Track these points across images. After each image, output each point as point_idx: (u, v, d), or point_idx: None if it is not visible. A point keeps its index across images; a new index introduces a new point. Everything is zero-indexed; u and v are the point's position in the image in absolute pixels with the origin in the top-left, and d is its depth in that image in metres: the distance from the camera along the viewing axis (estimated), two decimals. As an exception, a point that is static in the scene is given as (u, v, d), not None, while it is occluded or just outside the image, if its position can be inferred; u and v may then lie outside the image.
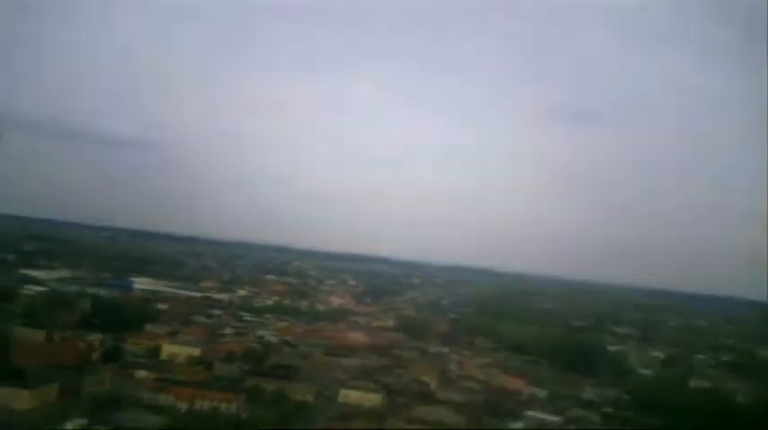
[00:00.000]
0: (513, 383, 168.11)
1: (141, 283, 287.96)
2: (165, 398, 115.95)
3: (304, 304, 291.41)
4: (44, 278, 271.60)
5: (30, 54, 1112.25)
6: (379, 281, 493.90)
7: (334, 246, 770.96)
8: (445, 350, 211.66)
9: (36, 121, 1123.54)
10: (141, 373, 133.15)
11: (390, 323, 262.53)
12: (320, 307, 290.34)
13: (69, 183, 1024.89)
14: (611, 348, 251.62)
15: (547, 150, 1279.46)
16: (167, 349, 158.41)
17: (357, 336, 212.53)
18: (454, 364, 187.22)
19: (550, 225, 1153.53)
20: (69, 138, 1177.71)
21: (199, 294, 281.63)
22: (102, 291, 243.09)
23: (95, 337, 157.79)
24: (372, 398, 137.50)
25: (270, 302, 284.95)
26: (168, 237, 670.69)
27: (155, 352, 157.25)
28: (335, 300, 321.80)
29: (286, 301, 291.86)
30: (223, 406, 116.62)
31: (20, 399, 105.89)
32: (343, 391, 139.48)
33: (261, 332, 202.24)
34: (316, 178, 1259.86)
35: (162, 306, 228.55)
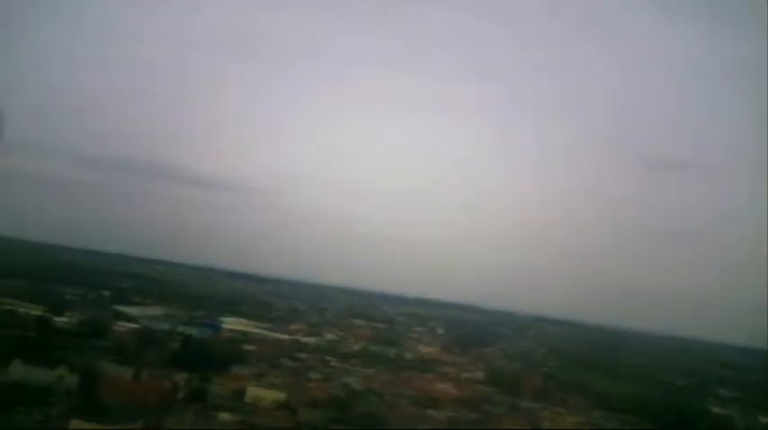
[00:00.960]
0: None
1: (231, 324, 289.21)
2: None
3: (391, 351, 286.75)
4: (137, 315, 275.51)
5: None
6: (469, 330, 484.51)
7: (423, 292, 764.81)
8: (537, 406, 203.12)
9: (142, 163, 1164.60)
10: (224, 416, 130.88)
11: (480, 375, 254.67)
12: (408, 355, 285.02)
13: (167, 224, 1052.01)
14: (716, 411, 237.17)
15: (635, 200, 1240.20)
16: (252, 392, 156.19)
17: (445, 388, 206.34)
18: (546, 422, 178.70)
19: (636, 278, 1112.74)
20: (169, 180, 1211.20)
21: (287, 337, 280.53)
22: (193, 330, 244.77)
23: (182, 377, 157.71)
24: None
25: (356, 348, 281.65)
26: (261, 279, 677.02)
27: (239, 394, 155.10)
28: (423, 349, 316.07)
29: (373, 347, 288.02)
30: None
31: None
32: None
33: (347, 379, 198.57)
34: (403, 224, 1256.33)
35: (250, 347, 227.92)
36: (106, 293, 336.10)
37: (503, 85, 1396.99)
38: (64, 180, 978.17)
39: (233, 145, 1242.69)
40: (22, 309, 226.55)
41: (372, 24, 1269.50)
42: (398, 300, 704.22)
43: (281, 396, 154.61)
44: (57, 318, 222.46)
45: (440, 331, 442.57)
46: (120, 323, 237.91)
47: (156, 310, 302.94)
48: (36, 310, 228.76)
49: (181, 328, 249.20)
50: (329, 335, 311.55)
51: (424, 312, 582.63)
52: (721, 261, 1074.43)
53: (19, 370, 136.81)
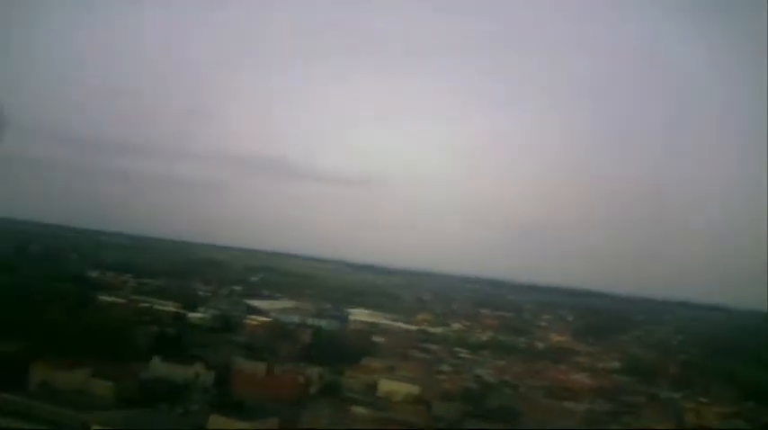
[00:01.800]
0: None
1: (358, 315, 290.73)
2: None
3: (521, 340, 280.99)
4: (267, 308, 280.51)
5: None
6: (600, 317, 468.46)
7: (549, 280, 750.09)
8: (678, 396, 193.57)
9: (266, 162, 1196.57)
10: (358, 410, 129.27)
11: (615, 364, 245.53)
12: (539, 344, 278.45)
13: (293, 218, 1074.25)
14: None
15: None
16: (385, 385, 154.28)
17: (580, 378, 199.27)
18: (690, 413, 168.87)
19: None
20: (295, 176, 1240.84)
21: (414, 327, 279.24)
22: (322, 322, 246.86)
23: (314, 370, 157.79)
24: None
25: (485, 338, 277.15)
26: (388, 270, 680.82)
27: (372, 387, 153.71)
28: (555, 338, 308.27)
29: (502, 337, 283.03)
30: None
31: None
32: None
33: (478, 370, 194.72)
34: (522, 209, 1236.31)
35: (379, 339, 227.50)
36: (237, 288, 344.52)
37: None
38: (192, 180, 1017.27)
39: (357, 139, 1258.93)
40: (157, 306, 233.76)
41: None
42: (524, 289, 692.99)
43: (414, 389, 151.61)
44: (191, 314, 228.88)
45: (569, 319, 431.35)
46: (251, 317, 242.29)
47: (286, 303, 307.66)
48: (171, 307, 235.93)
49: (310, 321, 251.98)
50: (456, 326, 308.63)
51: (551, 300, 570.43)
52: None
53: (159, 366, 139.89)
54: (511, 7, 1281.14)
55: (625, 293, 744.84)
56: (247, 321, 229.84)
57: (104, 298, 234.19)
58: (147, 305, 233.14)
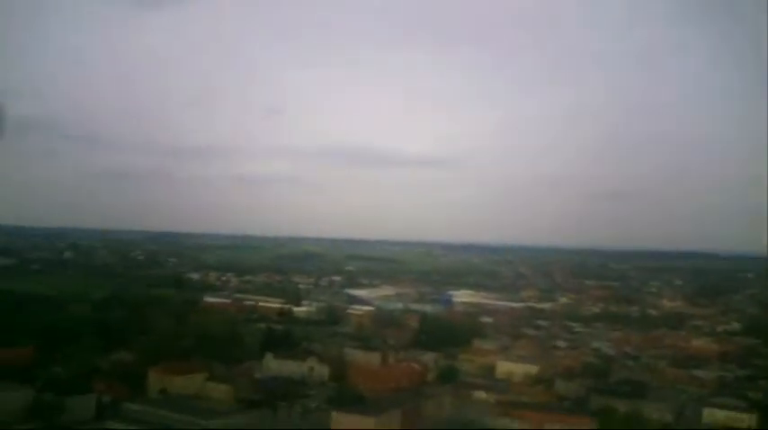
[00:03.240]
0: None
1: (461, 296, 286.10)
2: (510, 424, 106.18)
3: (633, 310, 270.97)
4: (368, 297, 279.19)
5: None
6: (709, 278, 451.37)
7: (647, 245, 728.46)
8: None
9: (352, 150, 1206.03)
10: (480, 395, 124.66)
11: (736, 326, 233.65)
12: (652, 312, 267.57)
13: (381, 205, 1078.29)
14: None
15: None
16: (502, 366, 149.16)
17: (703, 344, 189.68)
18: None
19: None
20: (382, 163, 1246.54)
21: (520, 304, 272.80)
22: (427, 307, 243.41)
23: (428, 357, 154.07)
24: (745, 419, 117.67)
25: (596, 310, 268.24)
26: (480, 248, 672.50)
27: (489, 370, 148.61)
28: (667, 304, 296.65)
29: (613, 308, 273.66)
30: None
31: (365, 427, 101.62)
32: (707, 410, 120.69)
33: (595, 343, 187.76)
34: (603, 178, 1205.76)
35: (486, 319, 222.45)
36: (336, 279, 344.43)
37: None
38: (280, 176, 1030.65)
39: (440, 124, 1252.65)
40: (262, 303, 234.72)
41: None
42: (625, 256, 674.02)
43: (532, 369, 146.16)
44: (296, 309, 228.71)
45: (678, 283, 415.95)
46: (354, 307, 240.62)
47: (387, 290, 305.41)
48: (276, 303, 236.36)
49: (414, 306, 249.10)
50: (563, 300, 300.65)
51: (655, 265, 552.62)
52: None
53: (272, 364, 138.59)
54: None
55: (730, 252, 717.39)
56: (352, 311, 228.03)
57: (209, 299, 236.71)
58: (251, 303, 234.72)
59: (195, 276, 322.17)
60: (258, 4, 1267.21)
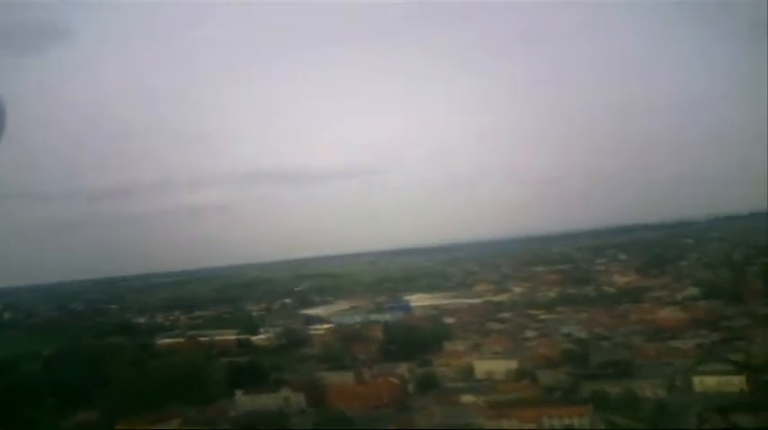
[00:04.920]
0: None
1: (418, 301, 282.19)
2: (509, 424, 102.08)
3: (589, 289, 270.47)
4: (325, 314, 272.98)
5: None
6: (652, 249, 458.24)
7: (584, 224, 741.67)
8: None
9: (279, 171, 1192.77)
10: (467, 398, 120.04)
11: (694, 291, 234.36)
12: (608, 289, 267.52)
13: (318, 221, 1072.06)
14: None
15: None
16: (480, 366, 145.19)
17: (670, 313, 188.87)
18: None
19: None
20: (310, 181, 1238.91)
21: (478, 300, 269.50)
22: (387, 316, 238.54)
23: (403, 367, 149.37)
24: (736, 382, 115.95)
25: (552, 294, 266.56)
26: (425, 250, 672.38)
27: (468, 371, 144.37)
28: (620, 279, 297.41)
29: (570, 290, 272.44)
30: (575, 421, 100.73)
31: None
32: (696, 379, 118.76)
33: (564, 328, 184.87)
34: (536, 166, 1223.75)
35: (449, 319, 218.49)
36: (288, 301, 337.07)
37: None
38: (209, 205, 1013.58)
39: (355, 135, 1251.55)
40: (218, 337, 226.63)
41: None
42: (565, 238, 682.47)
43: (511, 364, 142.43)
44: (254, 338, 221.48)
45: (623, 257, 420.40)
46: (314, 327, 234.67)
47: (342, 305, 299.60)
48: (232, 335, 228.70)
49: (373, 317, 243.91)
50: (518, 289, 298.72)
51: (596, 243, 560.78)
52: None
53: (244, 400, 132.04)
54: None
55: (663, 221, 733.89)
56: (312, 332, 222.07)
57: (162, 341, 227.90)
58: (207, 338, 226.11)
59: (142, 320, 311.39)
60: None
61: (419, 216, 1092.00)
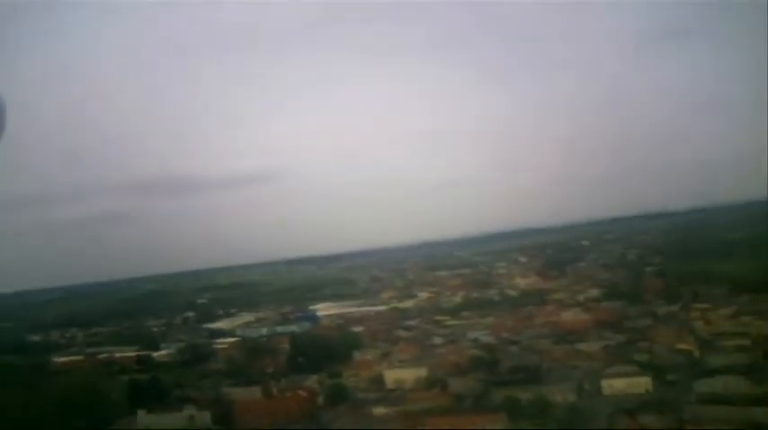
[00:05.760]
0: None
1: (325, 310, 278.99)
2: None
3: (493, 293, 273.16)
4: (229, 327, 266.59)
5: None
6: (550, 251, 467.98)
7: (483, 228, 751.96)
8: (675, 308, 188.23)
9: (176, 179, 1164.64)
10: (379, 410, 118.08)
11: (595, 292, 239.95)
12: (511, 292, 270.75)
13: (207, 230, 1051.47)
14: None
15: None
16: (390, 375, 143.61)
17: (574, 316, 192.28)
18: (699, 322, 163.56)
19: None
20: (208, 188, 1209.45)
21: (384, 307, 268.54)
22: (294, 327, 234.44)
23: (312, 380, 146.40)
24: (642, 383, 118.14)
25: (458, 299, 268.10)
26: (328, 258, 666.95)
27: (378, 381, 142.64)
28: (522, 282, 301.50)
29: (473, 294, 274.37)
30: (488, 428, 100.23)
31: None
32: (605, 382, 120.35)
33: (471, 334, 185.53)
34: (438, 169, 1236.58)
35: (357, 328, 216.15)
36: (190, 315, 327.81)
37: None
38: (97, 216, 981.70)
39: (255, 140, 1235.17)
40: (117, 354, 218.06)
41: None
42: (465, 242, 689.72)
43: (421, 372, 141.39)
44: (155, 354, 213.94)
45: (522, 260, 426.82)
46: (218, 341, 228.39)
47: (246, 317, 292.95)
48: (132, 351, 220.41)
49: (280, 329, 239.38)
50: (423, 295, 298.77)
51: (495, 247, 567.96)
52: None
53: (147, 420, 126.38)
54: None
55: (557, 224, 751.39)
56: (216, 346, 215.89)
57: (58, 359, 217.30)
58: (106, 355, 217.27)
59: (36, 337, 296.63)
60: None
61: (323, 224, 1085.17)
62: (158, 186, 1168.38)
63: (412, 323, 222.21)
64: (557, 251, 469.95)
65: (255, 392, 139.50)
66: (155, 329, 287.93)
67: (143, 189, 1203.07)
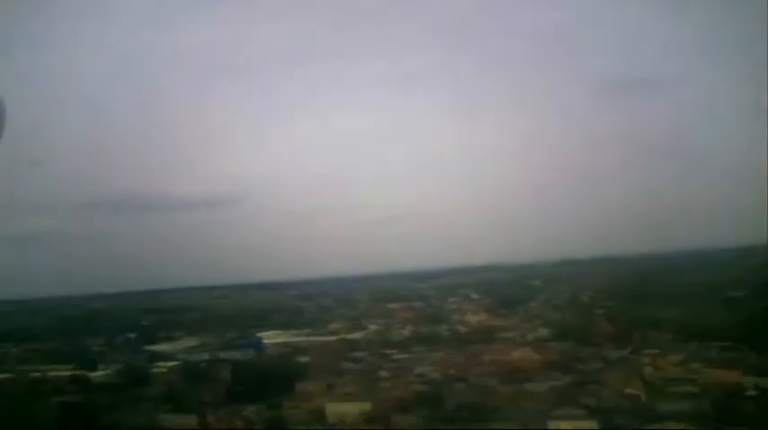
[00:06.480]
0: (729, 376, 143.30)
1: (270, 337, 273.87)
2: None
3: (443, 328, 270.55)
4: (171, 351, 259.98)
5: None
6: (501, 289, 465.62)
7: (436, 263, 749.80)
8: (625, 352, 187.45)
9: (125, 198, 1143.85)
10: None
11: (544, 332, 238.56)
12: (461, 328, 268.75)
13: (156, 252, 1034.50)
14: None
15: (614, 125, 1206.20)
16: (332, 408, 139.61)
17: (524, 355, 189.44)
18: (649, 367, 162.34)
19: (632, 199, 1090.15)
20: (159, 210, 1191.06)
21: (333, 338, 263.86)
22: (237, 354, 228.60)
23: (250, 410, 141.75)
24: (589, 426, 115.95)
25: (407, 333, 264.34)
26: (278, 285, 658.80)
27: (319, 414, 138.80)
28: (473, 318, 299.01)
29: (423, 329, 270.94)
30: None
31: None
32: (551, 423, 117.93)
33: (419, 369, 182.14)
34: (395, 200, 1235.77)
35: (303, 358, 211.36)
36: (132, 335, 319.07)
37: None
38: (46, 232, 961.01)
39: (211, 159, 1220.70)
40: (51, 373, 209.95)
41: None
42: (417, 276, 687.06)
43: (364, 406, 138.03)
44: (92, 374, 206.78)
45: (474, 296, 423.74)
46: (158, 364, 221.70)
47: (189, 342, 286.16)
48: (66, 371, 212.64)
49: (222, 355, 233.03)
50: (373, 327, 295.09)
51: (447, 281, 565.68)
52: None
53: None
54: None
55: (510, 262, 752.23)
56: (155, 369, 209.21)
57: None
58: (38, 374, 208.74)
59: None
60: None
61: (277, 250, 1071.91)
62: (113, 204, 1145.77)
63: (359, 355, 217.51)
64: (508, 289, 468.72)
65: (191, 420, 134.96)
66: (94, 349, 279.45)
67: (97, 206, 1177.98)
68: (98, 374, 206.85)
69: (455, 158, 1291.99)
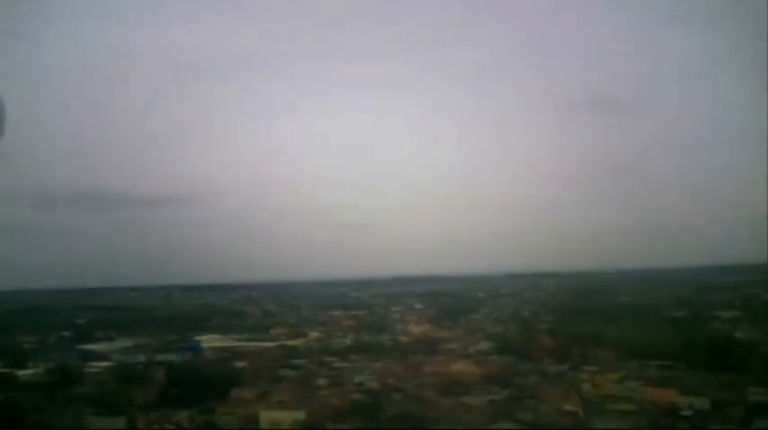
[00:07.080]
0: (665, 395, 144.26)
1: (209, 341, 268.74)
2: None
3: (385, 338, 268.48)
4: (105, 351, 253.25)
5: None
6: (445, 300, 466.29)
7: (382, 271, 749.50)
8: (565, 368, 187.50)
9: (67, 194, 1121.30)
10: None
11: (485, 346, 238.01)
12: (403, 338, 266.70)
13: (107, 248, 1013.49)
14: (739, 336, 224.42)
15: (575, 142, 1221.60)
16: (266, 416, 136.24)
17: (464, 367, 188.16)
18: (587, 384, 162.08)
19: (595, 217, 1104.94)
20: (108, 206, 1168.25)
21: (273, 344, 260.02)
22: (173, 357, 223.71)
23: (182, 415, 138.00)
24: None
25: (348, 342, 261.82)
26: (222, 287, 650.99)
27: (252, 421, 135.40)
28: (415, 329, 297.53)
29: (365, 337, 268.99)
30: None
31: None
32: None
33: (358, 378, 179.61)
34: (346, 208, 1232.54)
35: (240, 363, 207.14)
36: (66, 334, 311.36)
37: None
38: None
39: (170, 159, 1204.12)
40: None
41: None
42: (362, 284, 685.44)
43: (299, 414, 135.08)
44: (20, 372, 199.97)
45: (417, 306, 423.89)
46: (91, 364, 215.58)
47: (126, 342, 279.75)
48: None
49: (159, 357, 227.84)
50: (314, 334, 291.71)
51: (392, 290, 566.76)
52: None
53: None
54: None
55: (457, 273, 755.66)
56: (88, 369, 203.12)
57: None
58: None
59: None
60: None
61: (223, 252, 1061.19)
62: (69, 199, 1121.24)
63: (298, 362, 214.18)
64: (453, 300, 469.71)
65: (119, 423, 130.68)
66: (25, 346, 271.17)
67: (45, 201, 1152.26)
68: (27, 372, 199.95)
69: (408, 170, 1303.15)
